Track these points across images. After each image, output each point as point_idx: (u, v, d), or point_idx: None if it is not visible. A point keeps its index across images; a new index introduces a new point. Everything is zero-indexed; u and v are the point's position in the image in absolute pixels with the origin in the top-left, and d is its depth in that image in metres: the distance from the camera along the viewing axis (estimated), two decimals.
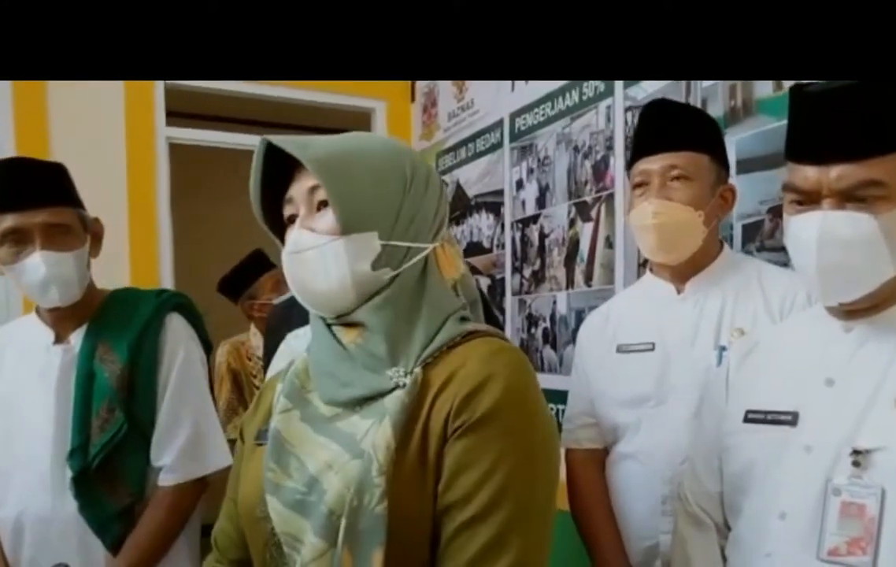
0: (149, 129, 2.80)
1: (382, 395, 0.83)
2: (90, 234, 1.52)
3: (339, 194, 0.83)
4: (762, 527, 1.01)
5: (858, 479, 0.92)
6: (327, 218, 0.85)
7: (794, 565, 0.96)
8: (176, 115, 2.94)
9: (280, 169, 0.88)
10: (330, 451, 0.83)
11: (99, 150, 2.61)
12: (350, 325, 0.88)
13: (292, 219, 0.89)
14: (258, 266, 2.96)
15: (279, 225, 0.92)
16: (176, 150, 2.91)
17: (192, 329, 1.61)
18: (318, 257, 0.85)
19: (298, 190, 0.87)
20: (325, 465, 0.82)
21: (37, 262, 1.39)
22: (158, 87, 2.82)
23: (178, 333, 1.56)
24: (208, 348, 1.68)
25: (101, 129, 2.68)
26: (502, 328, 0.94)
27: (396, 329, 0.85)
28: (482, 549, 0.75)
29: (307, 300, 0.90)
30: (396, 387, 0.82)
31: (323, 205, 0.85)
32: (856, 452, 0.92)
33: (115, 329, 1.50)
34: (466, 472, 0.77)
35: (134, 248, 2.67)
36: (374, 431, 0.79)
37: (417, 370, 0.82)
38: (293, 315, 1.46)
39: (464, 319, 0.89)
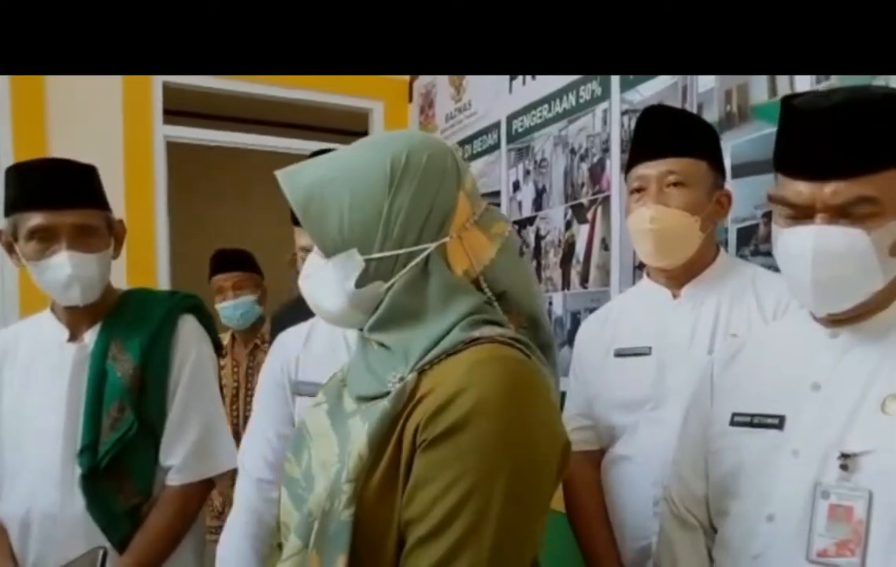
0: (146, 127, 2.81)
1: (383, 397, 0.81)
2: (114, 235, 1.54)
3: (312, 223, 0.84)
4: (750, 529, 1.03)
5: (846, 481, 0.94)
6: None
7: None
8: (173, 114, 2.95)
9: None
10: (330, 448, 0.84)
11: (96, 148, 2.57)
12: None
13: None
14: (223, 264, 2.84)
15: None
16: (173, 148, 2.91)
17: (203, 331, 1.63)
18: (318, 282, 0.88)
19: None
20: (321, 463, 0.83)
21: (63, 261, 1.41)
22: (156, 85, 2.82)
23: (190, 335, 1.58)
24: (219, 350, 1.69)
25: (98, 127, 2.68)
26: None
27: (399, 339, 0.84)
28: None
29: (324, 319, 0.92)
30: (390, 391, 0.80)
31: None
32: (844, 456, 0.94)
33: (128, 329, 1.52)
34: (425, 487, 0.75)
35: (131, 246, 2.62)
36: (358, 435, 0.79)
37: (410, 377, 0.79)
38: (298, 315, 1.46)
39: (481, 322, 0.82)
